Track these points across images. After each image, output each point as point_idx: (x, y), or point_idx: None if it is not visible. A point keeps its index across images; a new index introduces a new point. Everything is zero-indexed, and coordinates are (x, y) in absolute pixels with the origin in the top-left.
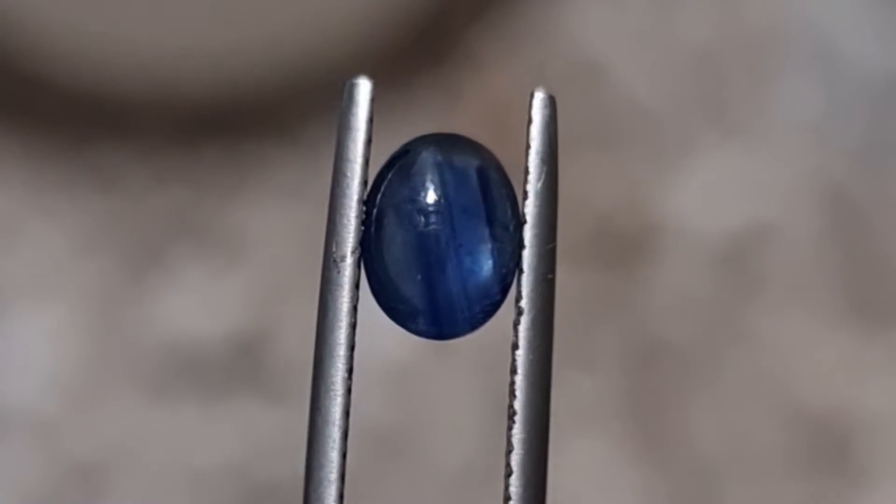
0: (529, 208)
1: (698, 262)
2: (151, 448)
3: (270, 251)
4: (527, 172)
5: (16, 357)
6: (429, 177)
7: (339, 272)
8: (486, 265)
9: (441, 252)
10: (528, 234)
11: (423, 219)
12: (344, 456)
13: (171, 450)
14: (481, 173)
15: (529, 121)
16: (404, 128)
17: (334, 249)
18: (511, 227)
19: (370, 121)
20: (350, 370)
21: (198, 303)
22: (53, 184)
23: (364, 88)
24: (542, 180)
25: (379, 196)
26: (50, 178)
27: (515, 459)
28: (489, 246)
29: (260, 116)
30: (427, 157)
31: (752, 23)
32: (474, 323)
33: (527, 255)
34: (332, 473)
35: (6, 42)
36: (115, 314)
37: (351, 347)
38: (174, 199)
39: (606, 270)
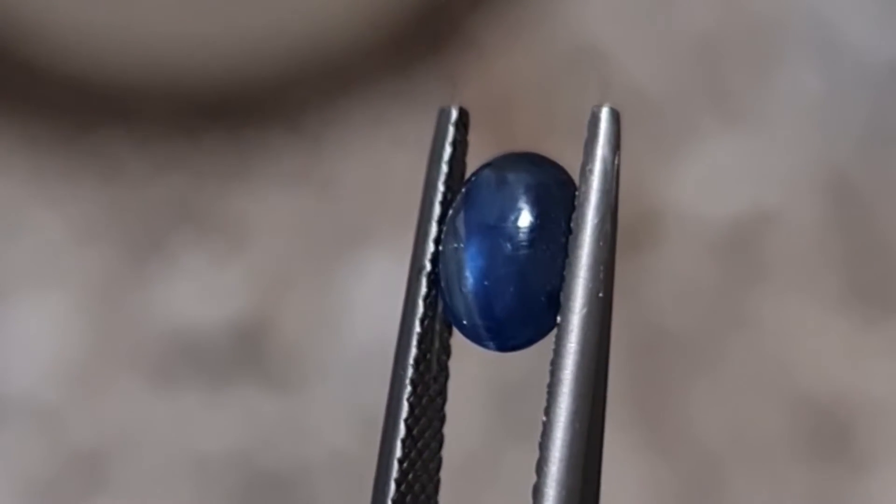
0: (577, 223)
1: (700, 249)
2: (154, 435)
3: (272, 239)
4: (579, 188)
5: (18, 345)
6: (484, 196)
7: (412, 285)
8: (533, 280)
9: (490, 268)
10: (573, 245)
11: (476, 237)
12: (401, 463)
13: (174, 437)
14: (536, 190)
15: (591, 138)
16: (405, 115)
17: (414, 265)
18: (565, 243)
19: (454, 145)
20: (413, 381)
21: (199, 290)
22: (55, 172)
23: (450, 114)
24: (599, 215)
25: (449, 216)
26: (51, 166)
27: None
28: (534, 260)
29: (261, 104)
30: (486, 176)
31: (754, 9)
32: (529, 335)
33: (569, 265)
34: (390, 482)
35: (7, 30)
36: (116, 302)
37: (417, 359)
38: (176, 187)
39: None
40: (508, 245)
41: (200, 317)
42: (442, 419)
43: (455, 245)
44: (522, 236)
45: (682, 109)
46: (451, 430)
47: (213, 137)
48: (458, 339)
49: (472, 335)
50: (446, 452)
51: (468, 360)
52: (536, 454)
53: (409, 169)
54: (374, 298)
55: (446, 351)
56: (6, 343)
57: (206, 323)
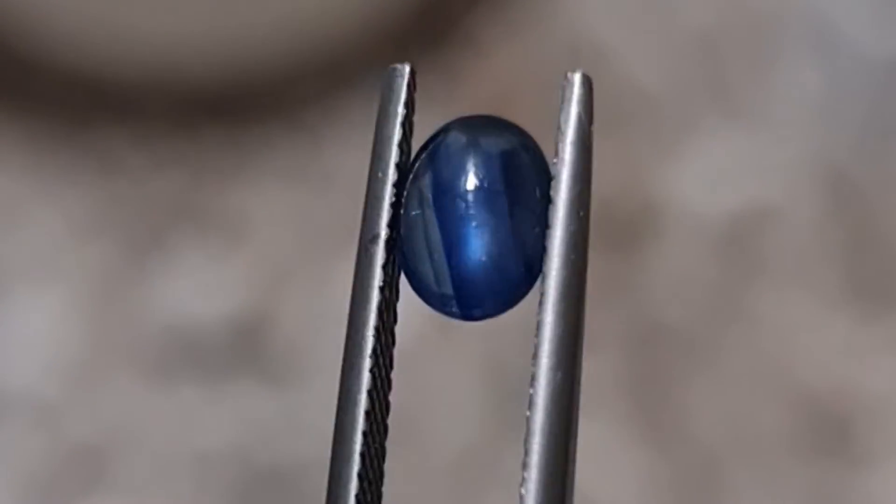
0: (556, 190)
1: (700, 245)
2: (152, 431)
3: (271, 234)
4: (557, 154)
5: (17, 340)
6: (454, 160)
7: (368, 252)
8: (506, 246)
9: (462, 233)
10: (553, 215)
11: (445, 201)
12: (365, 435)
13: (173, 432)
14: (508, 155)
15: (562, 101)
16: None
17: (366, 231)
18: (538, 210)
19: (407, 104)
20: (376, 351)
21: (198, 286)
22: (54, 167)
23: (402, 73)
24: (571, 165)
25: (409, 179)
26: (51, 161)
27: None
28: (508, 227)
29: (261, 100)
30: (453, 139)
31: (754, 5)
32: (499, 303)
33: (550, 236)
34: (354, 455)
35: (6, 26)
36: (115, 297)
37: (378, 328)
38: (175, 183)
39: (608, 253)
40: (481, 211)
41: (199, 312)
42: (390, 386)
43: (419, 211)
44: (495, 202)
45: (681, 105)
46: (450, 422)
47: (213, 133)
48: (460, 330)
49: (439, 303)
50: (445, 444)
51: (468, 351)
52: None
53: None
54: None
55: (396, 319)
56: (5, 339)
57: (204, 318)
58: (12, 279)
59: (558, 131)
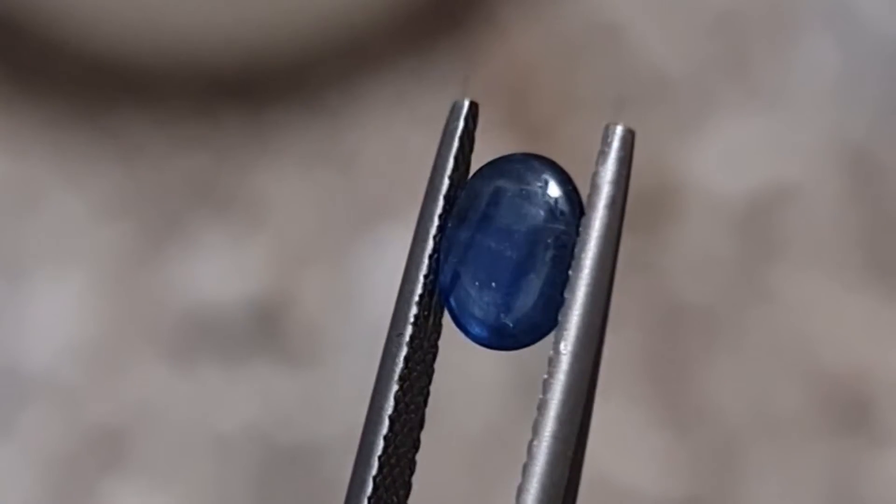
0: (584, 246)
1: (720, 224)
2: (172, 413)
3: (290, 217)
4: (588, 209)
5: (38, 323)
6: (504, 205)
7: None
8: (546, 289)
9: (496, 272)
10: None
11: (494, 242)
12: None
13: (193, 414)
14: (556, 201)
15: (600, 155)
16: (424, 93)
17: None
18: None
19: (462, 139)
20: (406, 349)
21: (218, 269)
22: (75, 151)
23: (461, 108)
24: (601, 231)
25: (461, 215)
26: (71, 144)
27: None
28: (537, 266)
29: (280, 83)
30: (503, 186)
31: None
32: (535, 338)
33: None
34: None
35: (28, 10)
36: (135, 280)
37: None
38: (195, 166)
39: (628, 233)
40: (530, 249)
41: (219, 295)
42: (425, 398)
43: (469, 238)
44: (545, 243)
45: (701, 85)
46: (470, 405)
47: (233, 116)
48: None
49: (481, 334)
50: (465, 426)
51: None
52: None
53: (428, 147)
54: (392, 275)
55: (437, 331)
56: (26, 321)
57: (224, 301)
58: (34, 262)
59: (593, 184)
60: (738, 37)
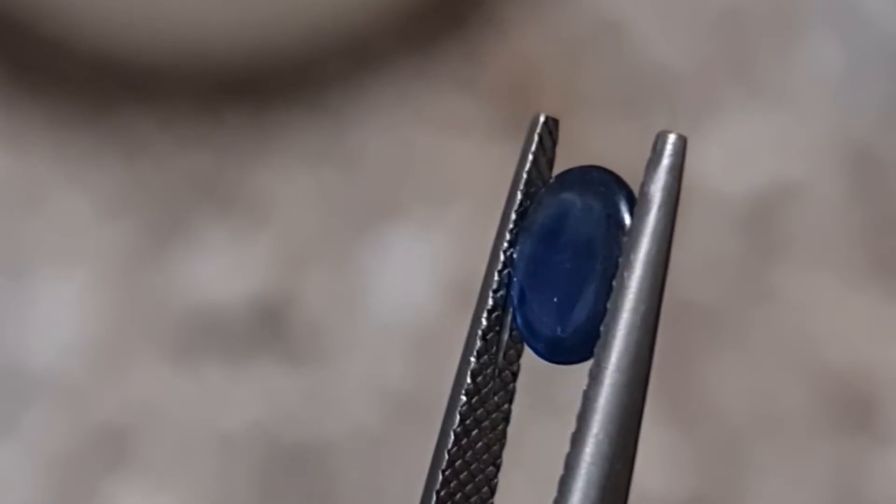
0: (632, 259)
1: (722, 223)
2: (176, 411)
3: (293, 216)
4: (639, 216)
5: (42, 321)
6: (549, 214)
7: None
8: (590, 298)
9: (556, 285)
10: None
11: (561, 258)
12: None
13: (196, 413)
14: (613, 218)
15: (651, 162)
16: (427, 92)
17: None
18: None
19: (535, 154)
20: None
21: (221, 267)
22: (78, 149)
23: (537, 123)
24: (650, 238)
25: (524, 225)
26: (74, 143)
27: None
28: (594, 279)
29: (283, 81)
30: (549, 198)
31: None
32: (579, 351)
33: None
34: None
35: (31, 8)
36: (139, 278)
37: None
38: (198, 165)
39: None
40: (587, 262)
41: (222, 293)
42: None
43: (534, 251)
44: (602, 255)
45: (704, 83)
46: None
47: (236, 115)
48: None
49: (540, 349)
50: None
51: None
52: (562, 431)
53: (431, 145)
54: (396, 274)
55: (518, 353)
56: (29, 320)
57: (228, 299)
58: (38, 260)
59: (642, 192)
60: (742, 35)
